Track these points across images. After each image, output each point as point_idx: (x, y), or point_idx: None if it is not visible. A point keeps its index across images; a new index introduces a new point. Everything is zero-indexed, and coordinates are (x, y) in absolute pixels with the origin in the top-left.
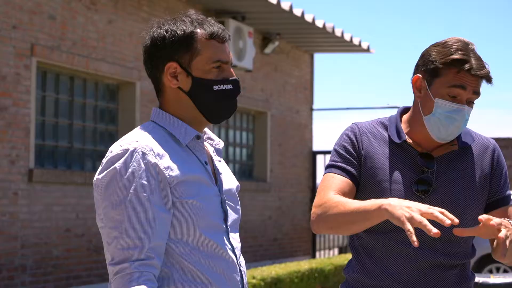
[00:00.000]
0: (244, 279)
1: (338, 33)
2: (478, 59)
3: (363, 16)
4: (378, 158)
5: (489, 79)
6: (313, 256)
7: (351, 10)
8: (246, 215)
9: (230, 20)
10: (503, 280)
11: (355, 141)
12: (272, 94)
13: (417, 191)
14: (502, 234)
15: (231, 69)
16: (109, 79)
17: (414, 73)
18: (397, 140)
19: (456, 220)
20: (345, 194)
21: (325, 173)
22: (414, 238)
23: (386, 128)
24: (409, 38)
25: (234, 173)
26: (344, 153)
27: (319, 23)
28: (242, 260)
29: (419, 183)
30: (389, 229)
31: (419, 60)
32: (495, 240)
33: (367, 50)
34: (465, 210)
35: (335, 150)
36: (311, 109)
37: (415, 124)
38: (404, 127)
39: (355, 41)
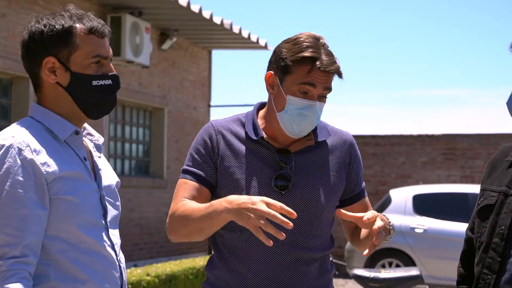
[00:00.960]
0: (124, 275)
1: (236, 30)
2: (329, 54)
3: (261, 14)
4: (235, 156)
5: (340, 74)
6: (209, 253)
7: (249, 7)
8: (142, 212)
9: (127, 16)
10: (394, 275)
11: (209, 142)
12: (170, 90)
13: (276, 187)
14: (376, 226)
15: (111, 64)
16: (2, 74)
17: (267, 69)
18: (254, 137)
19: (295, 214)
20: (197, 199)
21: (179, 178)
22: (268, 242)
23: (243, 125)
24: None
25: (130, 169)
26: (197, 157)
27: (217, 20)
28: (122, 257)
29: (278, 179)
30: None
31: (271, 57)
32: (358, 230)
33: (265, 47)
34: (324, 203)
35: (190, 153)
36: (209, 106)
37: (270, 120)
38: (260, 123)
39: (253, 38)
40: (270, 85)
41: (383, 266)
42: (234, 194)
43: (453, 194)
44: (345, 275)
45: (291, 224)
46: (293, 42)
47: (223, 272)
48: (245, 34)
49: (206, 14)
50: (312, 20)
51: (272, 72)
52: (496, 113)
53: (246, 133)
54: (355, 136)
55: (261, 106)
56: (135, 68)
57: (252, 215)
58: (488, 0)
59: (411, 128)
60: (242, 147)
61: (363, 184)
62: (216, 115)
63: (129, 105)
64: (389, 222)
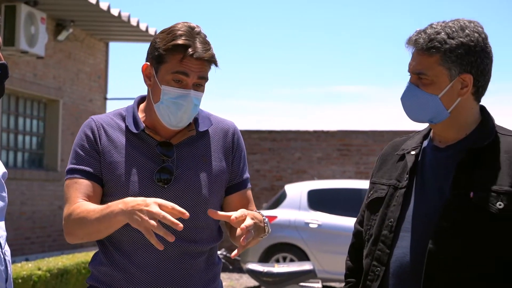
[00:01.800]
0: (9, 269)
1: (133, 22)
2: (204, 43)
3: (159, 7)
4: (117, 151)
5: (215, 63)
6: None
7: (147, 0)
8: (35, 205)
9: (22, 5)
10: (287, 269)
11: (91, 136)
12: (65, 82)
13: (159, 181)
14: (243, 225)
15: (0, 53)
16: None
17: (145, 60)
18: (134, 130)
19: (187, 214)
20: (91, 198)
21: (67, 178)
22: (159, 246)
23: (124, 118)
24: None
25: (23, 162)
26: (82, 153)
27: (114, 12)
28: (7, 249)
29: (160, 172)
30: None
31: (148, 48)
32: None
33: None
34: (208, 195)
35: (74, 150)
36: (105, 98)
37: (150, 113)
38: (141, 116)
39: (151, 31)
40: (147, 77)
41: (278, 261)
42: (117, 189)
43: (347, 189)
44: (240, 270)
45: (181, 225)
46: (167, 32)
47: (108, 268)
48: (142, 27)
49: (103, 5)
50: (213, 15)
51: (148, 63)
52: (391, 110)
53: (126, 126)
54: (252, 131)
55: (142, 99)
56: (30, 59)
57: (145, 217)
58: (385, 1)
59: (308, 124)
60: (123, 141)
61: (246, 175)
62: (112, 107)
63: (23, 96)
64: (264, 219)
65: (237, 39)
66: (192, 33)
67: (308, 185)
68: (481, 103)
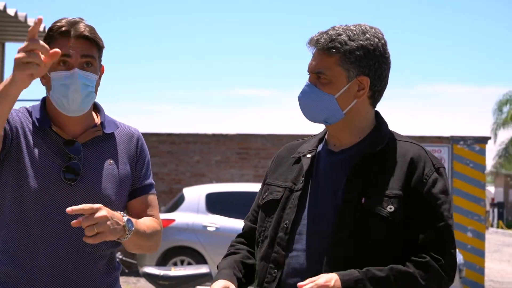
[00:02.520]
0: None
1: (30, 22)
2: (84, 26)
3: (57, 6)
4: (25, 147)
5: (96, 40)
6: None
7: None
8: None
9: None
10: (183, 273)
11: (17, 119)
12: None
13: (65, 179)
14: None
15: None
16: None
17: None
18: (41, 127)
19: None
20: None
21: None
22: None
23: (30, 114)
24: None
25: None
26: None
27: (10, 12)
28: None
29: (66, 171)
30: (37, 221)
31: None
32: None
33: None
34: (113, 197)
35: None
36: None
37: (52, 110)
38: (47, 114)
39: None
40: (41, 76)
41: (175, 264)
42: (23, 184)
43: (245, 193)
44: (137, 273)
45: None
46: (52, 25)
47: (8, 268)
48: (40, 27)
49: None
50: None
51: None
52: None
53: (33, 123)
54: (151, 134)
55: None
56: None
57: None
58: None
59: (207, 127)
60: (31, 138)
61: (149, 181)
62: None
63: None
64: (124, 216)
65: (133, 40)
66: (71, 21)
67: (206, 188)
68: (376, 109)
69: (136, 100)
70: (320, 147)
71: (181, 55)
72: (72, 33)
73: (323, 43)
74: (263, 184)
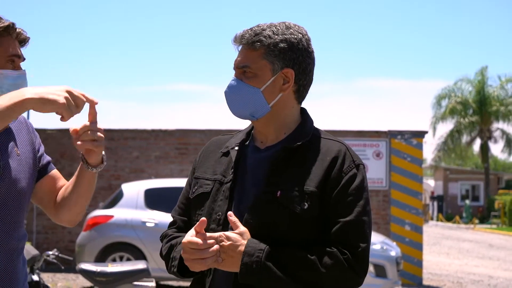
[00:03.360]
0: None
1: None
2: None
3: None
4: None
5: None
6: None
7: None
8: None
9: None
10: (120, 269)
11: None
12: None
13: None
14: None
15: None
16: None
17: None
18: None
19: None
20: None
21: None
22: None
23: None
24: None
25: None
26: None
27: None
28: None
29: None
30: None
31: None
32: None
33: None
34: (27, 188)
35: None
36: None
37: None
38: None
39: None
40: None
41: (114, 260)
42: None
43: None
44: (76, 270)
45: (97, 100)
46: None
47: None
48: None
49: None
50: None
51: None
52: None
53: None
54: None
55: None
56: None
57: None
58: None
59: (146, 123)
60: None
61: (48, 158)
62: None
63: None
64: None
65: (69, 36)
66: (10, 23)
67: (145, 184)
68: (303, 106)
69: None
70: (248, 142)
71: (115, 51)
72: (15, 34)
73: (248, 38)
74: (192, 178)
